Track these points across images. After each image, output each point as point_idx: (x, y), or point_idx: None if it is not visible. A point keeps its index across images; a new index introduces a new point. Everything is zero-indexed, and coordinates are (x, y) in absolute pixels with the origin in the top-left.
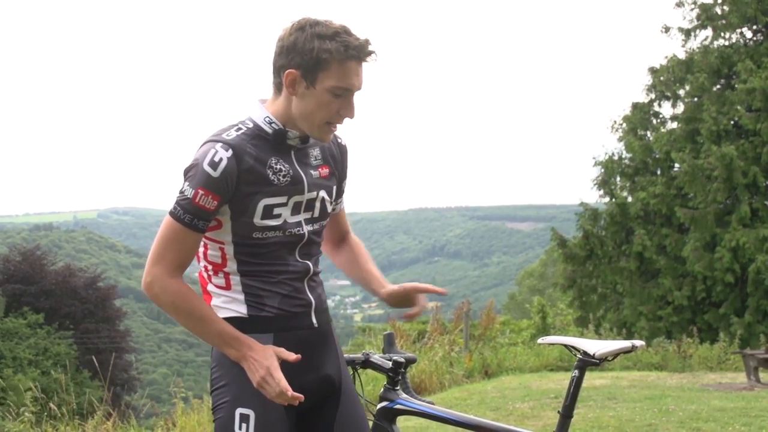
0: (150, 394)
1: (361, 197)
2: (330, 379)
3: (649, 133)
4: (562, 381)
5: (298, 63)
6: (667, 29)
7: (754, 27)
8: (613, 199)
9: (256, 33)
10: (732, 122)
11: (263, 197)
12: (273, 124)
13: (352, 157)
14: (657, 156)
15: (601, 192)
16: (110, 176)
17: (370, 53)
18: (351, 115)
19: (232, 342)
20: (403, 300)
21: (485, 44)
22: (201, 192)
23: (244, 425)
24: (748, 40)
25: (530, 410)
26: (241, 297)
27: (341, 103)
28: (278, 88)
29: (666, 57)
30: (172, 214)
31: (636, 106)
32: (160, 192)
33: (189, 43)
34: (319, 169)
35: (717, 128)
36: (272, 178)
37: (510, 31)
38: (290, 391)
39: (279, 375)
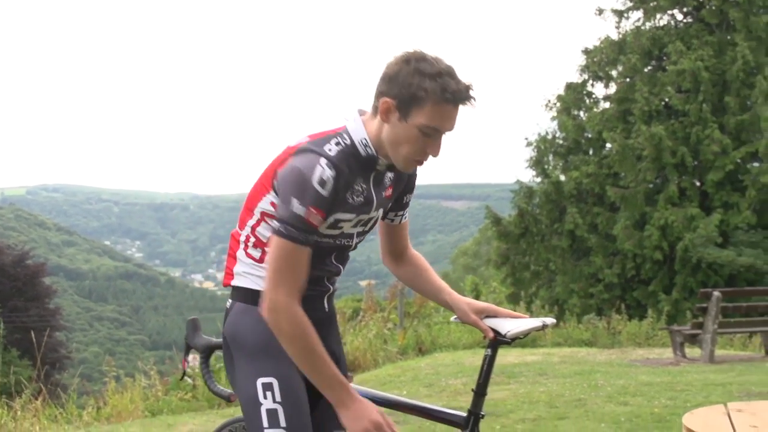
0: (81, 373)
1: None
2: (334, 355)
3: (582, 113)
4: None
5: (395, 94)
6: (600, 11)
7: (684, 9)
8: (547, 179)
9: None
10: (663, 103)
11: (337, 213)
12: (368, 148)
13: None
14: (589, 136)
15: (535, 172)
16: (40, 152)
17: (467, 99)
18: (435, 155)
19: (336, 386)
20: (477, 314)
21: (421, 22)
22: (313, 210)
23: (268, 393)
24: (678, 22)
25: (462, 386)
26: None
27: (429, 141)
28: (375, 111)
29: (599, 38)
30: (284, 235)
31: (570, 86)
32: (91, 169)
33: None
34: (387, 189)
35: (648, 109)
36: (350, 199)
37: (447, 11)
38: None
39: (387, 417)
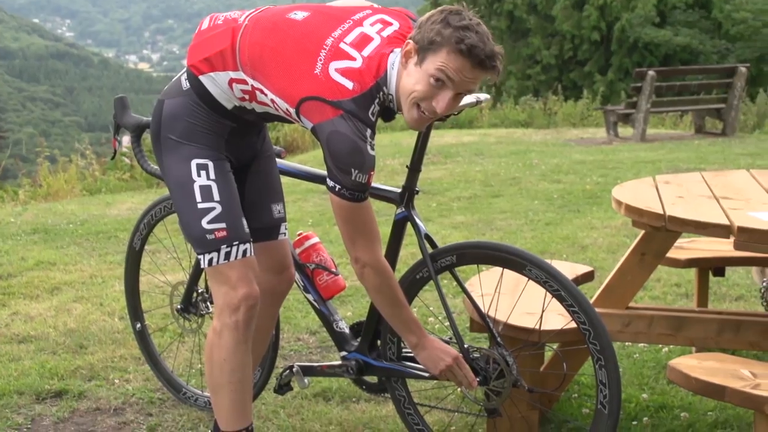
0: (15, 153)
1: None
2: (256, 150)
3: None
4: (432, 138)
5: (418, 38)
6: None
7: None
8: None
9: None
10: None
11: None
12: (392, 104)
13: None
14: None
15: None
16: None
17: (486, 60)
18: (439, 109)
19: (416, 330)
20: None
21: None
22: (371, 173)
23: (202, 172)
24: None
25: (400, 166)
26: (237, 103)
27: (437, 92)
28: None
29: None
30: (349, 198)
31: None
32: None
33: None
34: None
35: None
36: None
37: None
38: (475, 381)
39: (465, 365)
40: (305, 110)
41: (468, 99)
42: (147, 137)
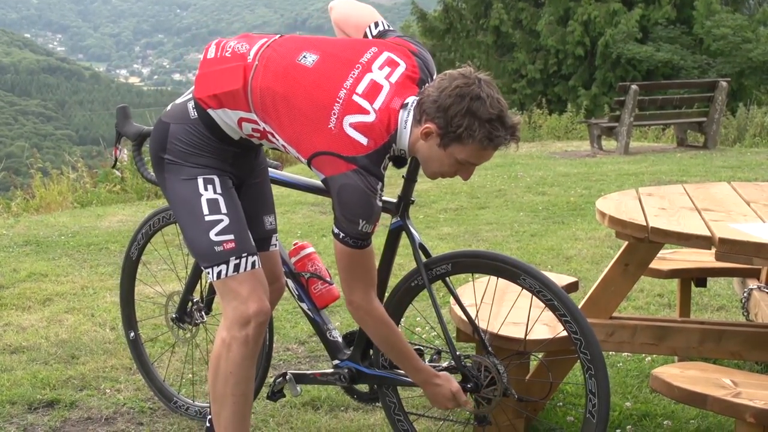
0: (8, 166)
1: None
2: (253, 165)
3: None
4: None
5: (441, 125)
6: None
7: None
8: None
9: None
10: None
11: None
12: (402, 153)
13: None
14: None
15: None
16: None
17: (511, 141)
18: (464, 179)
19: (421, 372)
20: None
21: None
22: (377, 222)
23: (209, 186)
24: None
25: (395, 176)
26: (245, 136)
27: (462, 169)
28: (416, 122)
29: None
30: (353, 246)
31: None
32: None
33: None
34: None
35: None
36: None
37: None
38: (470, 404)
39: (463, 396)
40: (318, 163)
41: None
42: (147, 146)
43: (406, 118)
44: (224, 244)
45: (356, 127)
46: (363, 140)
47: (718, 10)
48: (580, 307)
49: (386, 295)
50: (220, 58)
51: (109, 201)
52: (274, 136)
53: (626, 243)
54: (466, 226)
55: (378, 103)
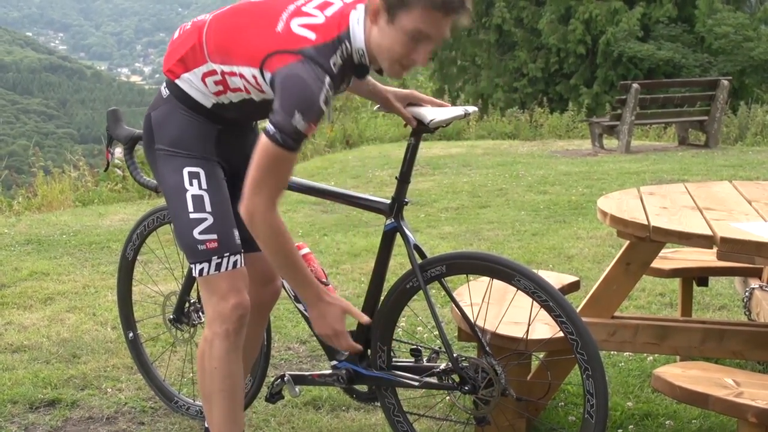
0: (9, 164)
1: None
2: (248, 156)
3: None
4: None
5: None
6: None
7: None
8: None
9: None
10: None
11: None
12: (363, 58)
13: None
14: None
15: None
16: None
17: (458, 8)
18: (422, 63)
19: (309, 287)
20: (401, 102)
21: None
22: (313, 125)
23: (194, 181)
24: None
25: (389, 177)
26: (215, 100)
27: (416, 47)
28: (369, 15)
29: None
30: (278, 142)
31: None
32: None
33: None
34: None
35: None
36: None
37: None
38: (355, 347)
39: (348, 339)
40: (268, 66)
41: (456, 111)
42: (139, 149)
43: (357, 17)
44: (207, 243)
45: (304, 25)
46: (311, 35)
47: (719, 8)
48: (581, 306)
49: (382, 296)
50: (182, 33)
51: (111, 200)
52: (233, 74)
53: (628, 242)
54: (467, 225)
55: (329, 11)
